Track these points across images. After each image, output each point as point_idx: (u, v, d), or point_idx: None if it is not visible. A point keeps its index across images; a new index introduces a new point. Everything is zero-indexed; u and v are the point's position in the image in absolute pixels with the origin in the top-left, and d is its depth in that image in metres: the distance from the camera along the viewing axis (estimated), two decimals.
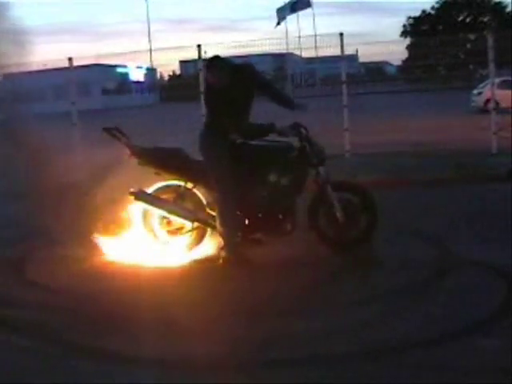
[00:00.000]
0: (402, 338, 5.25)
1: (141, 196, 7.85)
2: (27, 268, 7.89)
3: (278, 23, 58.21)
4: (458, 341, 5.17)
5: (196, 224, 7.82)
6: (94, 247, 8.16)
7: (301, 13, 65.16)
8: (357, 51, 53.43)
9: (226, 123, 7.35)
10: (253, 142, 7.58)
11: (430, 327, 5.46)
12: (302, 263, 7.35)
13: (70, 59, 16.72)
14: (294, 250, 7.61)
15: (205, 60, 15.77)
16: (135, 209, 7.98)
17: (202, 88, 15.16)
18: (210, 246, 7.87)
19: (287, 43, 52.82)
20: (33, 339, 5.70)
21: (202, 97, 14.65)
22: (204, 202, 7.80)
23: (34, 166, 9.28)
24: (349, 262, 7.47)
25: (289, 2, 60.02)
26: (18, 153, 9.45)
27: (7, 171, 11.46)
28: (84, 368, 5.08)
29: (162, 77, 64.80)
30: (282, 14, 58.46)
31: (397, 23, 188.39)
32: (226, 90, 7.32)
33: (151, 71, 57.16)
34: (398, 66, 46.07)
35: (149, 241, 7.95)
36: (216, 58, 7.51)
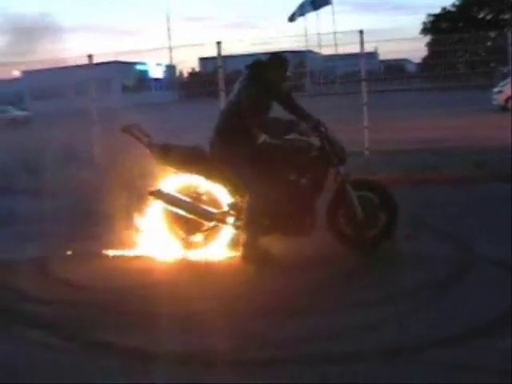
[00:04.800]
0: (419, 337, 5.23)
1: (159, 195, 7.86)
2: (51, 264, 7.91)
3: (292, 19, 57.91)
4: (475, 340, 5.15)
5: (214, 223, 7.82)
6: (115, 244, 8.20)
7: (320, 10, 65.02)
8: (376, 49, 53.40)
9: (254, 120, 7.36)
10: (273, 142, 7.56)
11: (446, 326, 5.44)
12: (321, 261, 7.35)
13: (89, 56, 16.79)
14: (314, 248, 7.61)
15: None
16: (154, 207, 7.99)
17: (221, 85, 15.19)
18: (228, 243, 7.88)
19: (306, 40, 52.67)
20: (57, 336, 5.73)
21: (222, 94, 14.73)
22: (223, 201, 7.79)
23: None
24: (367, 260, 7.46)
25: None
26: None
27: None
28: (108, 365, 5.11)
29: (181, 74, 64.92)
30: (301, 10, 58.31)
31: (417, 20, 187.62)
32: (267, 89, 7.43)
33: (170, 68, 57.24)
34: (418, 64, 45.84)
35: (168, 239, 7.96)
36: (286, 57, 7.63)
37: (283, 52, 7.92)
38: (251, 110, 7.32)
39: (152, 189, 7.89)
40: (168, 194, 7.86)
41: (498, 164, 12.66)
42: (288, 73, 7.67)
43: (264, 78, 7.46)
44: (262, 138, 7.62)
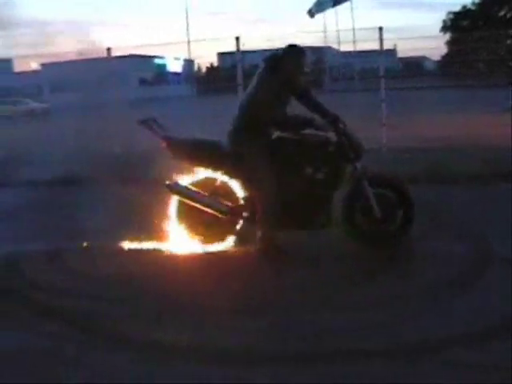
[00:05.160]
0: (435, 336, 5.20)
1: (176, 188, 7.86)
2: (72, 257, 7.93)
3: (311, 15, 57.60)
4: (490, 340, 5.12)
5: (230, 217, 7.81)
6: (132, 237, 8.21)
7: (340, 6, 64.84)
8: (395, 46, 53.16)
9: (271, 114, 7.33)
10: (289, 137, 7.55)
11: (461, 325, 5.41)
12: (336, 257, 7.36)
13: (108, 49, 16.81)
14: (330, 244, 7.62)
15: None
16: (169, 200, 7.98)
17: (239, 80, 15.17)
18: (243, 238, 7.87)
19: (325, 36, 52.67)
20: (76, 329, 5.76)
21: (240, 89, 14.70)
22: (239, 195, 7.79)
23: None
24: (384, 257, 7.43)
25: None
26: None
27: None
28: (125, 359, 5.13)
29: (199, 68, 64.93)
30: (319, 6, 58.05)
31: (436, 18, 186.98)
32: (284, 83, 7.39)
33: (189, 63, 57.25)
34: (437, 62, 45.63)
35: (184, 232, 7.95)
36: (304, 49, 7.61)
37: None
38: (266, 104, 7.30)
39: (169, 182, 7.89)
40: (184, 188, 7.86)
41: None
42: (305, 64, 7.59)
43: (280, 70, 7.42)
44: (276, 133, 7.61)
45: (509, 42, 28.97)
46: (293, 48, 7.56)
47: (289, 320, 5.68)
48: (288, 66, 7.43)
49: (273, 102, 7.29)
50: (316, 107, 7.79)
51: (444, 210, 9.33)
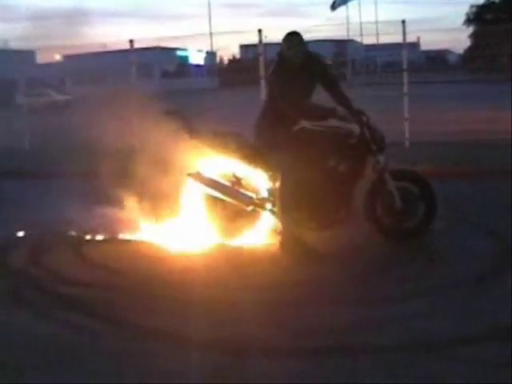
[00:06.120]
0: (453, 332, 5.18)
1: (198, 177, 7.86)
2: (86, 248, 7.99)
3: (334, 8, 57.50)
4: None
5: (252, 208, 7.82)
6: (150, 229, 8.24)
7: None
8: (418, 39, 53.05)
9: (290, 101, 7.34)
10: (312, 128, 7.55)
11: (481, 322, 5.36)
12: (358, 251, 7.32)
13: (131, 41, 16.85)
14: (351, 237, 7.59)
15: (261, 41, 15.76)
16: (191, 191, 7.99)
17: (261, 72, 15.14)
18: (266, 230, 7.87)
19: (348, 29, 52.62)
20: (97, 320, 5.76)
21: (263, 82, 14.68)
22: (261, 186, 7.79)
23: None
24: (404, 251, 7.40)
25: None
26: None
27: None
28: (146, 349, 5.13)
29: (221, 61, 65.02)
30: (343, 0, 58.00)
31: (459, 11, 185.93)
32: (296, 69, 7.41)
33: (211, 55, 57.37)
34: (461, 55, 45.44)
35: (205, 223, 7.97)
36: (295, 32, 7.53)
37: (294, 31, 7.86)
38: (283, 91, 7.36)
39: (191, 172, 7.90)
40: (207, 178, 7.86)
41: None
42: (300, 45, 7.57)
43: (284, 58, 7.49)
44: (299, 124, 7.60)
45: None
46: (288, 33, 7.58)
47: (302, 315, 5.68)
48: (285, 50, 7.46)
49: (289, 90, 7.31)
50: (342, 99, 7.78)
51: (464, 205, 9.28)
